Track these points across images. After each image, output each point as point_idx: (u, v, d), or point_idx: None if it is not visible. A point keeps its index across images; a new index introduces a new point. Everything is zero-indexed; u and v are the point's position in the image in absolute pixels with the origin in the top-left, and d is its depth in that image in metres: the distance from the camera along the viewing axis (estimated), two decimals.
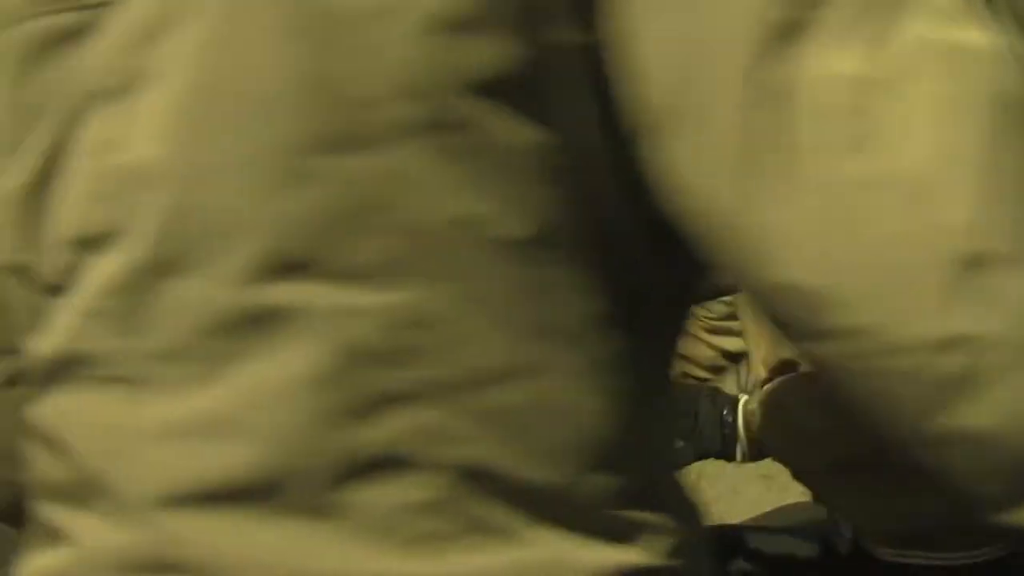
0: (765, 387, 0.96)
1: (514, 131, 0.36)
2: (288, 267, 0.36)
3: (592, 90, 0.38)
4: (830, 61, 0.35)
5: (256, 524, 0.38)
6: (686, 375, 1.26)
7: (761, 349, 1.05)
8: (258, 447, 0.37)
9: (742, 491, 1.79)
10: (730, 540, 0.96)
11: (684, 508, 0.45)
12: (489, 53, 0.35)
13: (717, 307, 1.23)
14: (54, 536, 0.43)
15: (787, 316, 0.38)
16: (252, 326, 0.37)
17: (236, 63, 0.36)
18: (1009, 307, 0.33)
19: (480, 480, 0.38)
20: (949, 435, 0.35)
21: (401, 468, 0.37)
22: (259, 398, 0.37)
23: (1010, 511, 0.36)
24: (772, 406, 0.93)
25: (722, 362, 1.31)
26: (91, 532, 0.41)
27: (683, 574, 0.42)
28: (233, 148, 0.36)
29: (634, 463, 0.42)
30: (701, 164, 0.36)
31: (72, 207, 0.41)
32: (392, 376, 0.37)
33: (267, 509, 0.38)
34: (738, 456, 1.00)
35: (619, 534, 0.40)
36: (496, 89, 0.35)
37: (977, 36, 0.36)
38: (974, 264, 0.33)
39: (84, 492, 0.41)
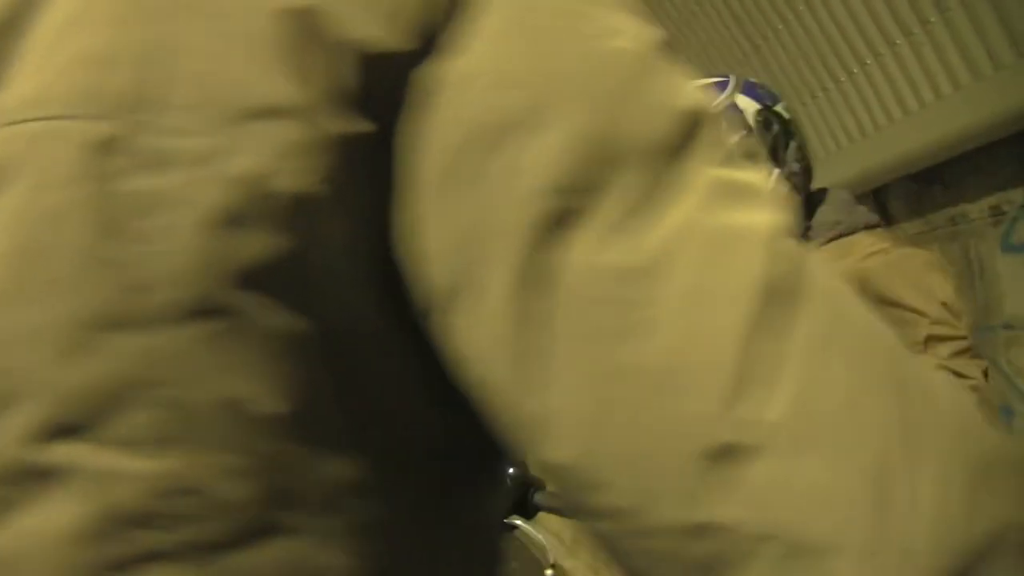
0: None
1: (276, 318, 0.39)
2: (65, 430, 0.39)
3: (371, 276, 0.40)
4: (598, 251, 0.37)
5: None
6: None
7: None
8: None
9: None
10: None
11: None
12: (257, 247, 0.38)
13: None
14: None
15: (563, 493, 0.40)
16: (30, 480, 0.40)
17: (36, 238, 0.39)
18: (753, 495, 0.34)
19: None
20: None
21: None
22: (27, 547, 0.40)
23: None
24: None
25: None
26: None
27: None
28: (26, 318, 0.39)
29: None
30: (480, 346, 0.38)
31: None
32: (150, 537, 0.40)
33: None
34: None
35: None
36: (261, 280, 0.38)
37: (752, 217, 0.37)
38: (721, 454, 0.34)
39: None
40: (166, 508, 0.39)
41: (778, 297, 0.35)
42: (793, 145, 1.62)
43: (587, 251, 0.37)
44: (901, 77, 2.97)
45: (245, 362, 0.39)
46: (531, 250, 0.37)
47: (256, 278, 0.38)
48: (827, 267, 0.38)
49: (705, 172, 0.38)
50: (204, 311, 0.38)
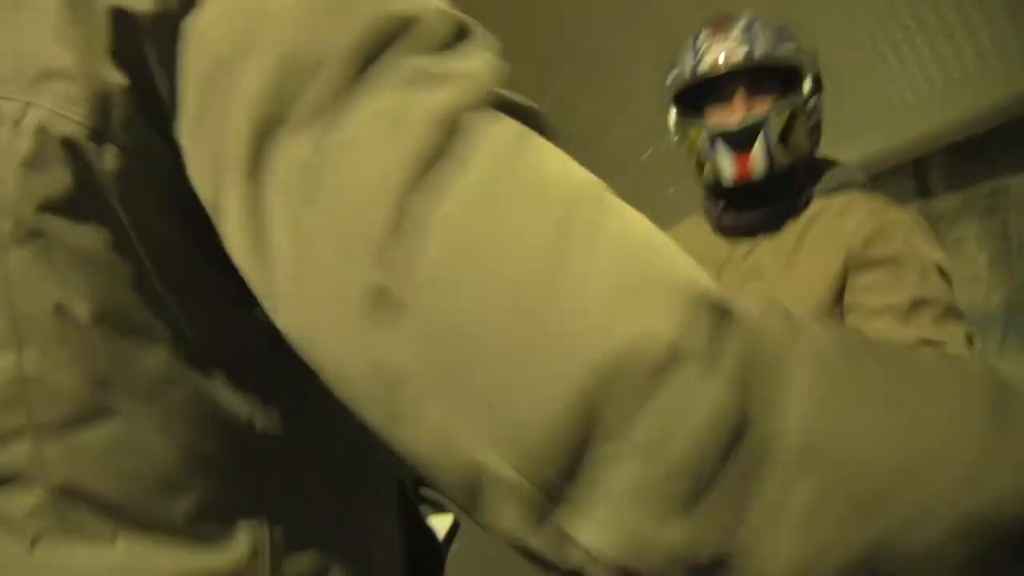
0: None
1: (77, 237, 0.47)
2: None
3: (166, 197, 0.49)
4: (297, 148, 0.43)
5: None
6: None
7: None
8: None
9: None
10: None
11: (285, 519, 0.55)
12: (52, 182, 0.47)
13: None
14: None
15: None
16: None
17: None
18: (416, 334, 0.40)
19: (74, 495, 0.50)
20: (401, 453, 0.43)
21: (20, 483, 0.50)
22: None
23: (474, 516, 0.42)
24: None
25: None
26: None
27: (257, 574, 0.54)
28: None
29: (210, 485, 0.53)
30: (237, 253, 0.46)
31: None
32: (8, 419, 0.50)
33: None
34: None
35: (195, 542, 0.52)
36: (59, 206, 0.47)
37: (433, 96, 0.43)
38: (378, 297, 0.40)
39: None
40: (16, 394, 0.49)
41: (438, 162, 0.41)
42: (817, 98, 1.63)
43: (289, 151, 0.43)
44: (945, 43, 2.92)
45: (61, 274, 0.48)
46: (251, 167, 0.44)
47: (55, 205, 0.47)
48: (502, 140, 0.43)
49: (404, 63, 0.43)
50: (25, 235, 0.47)
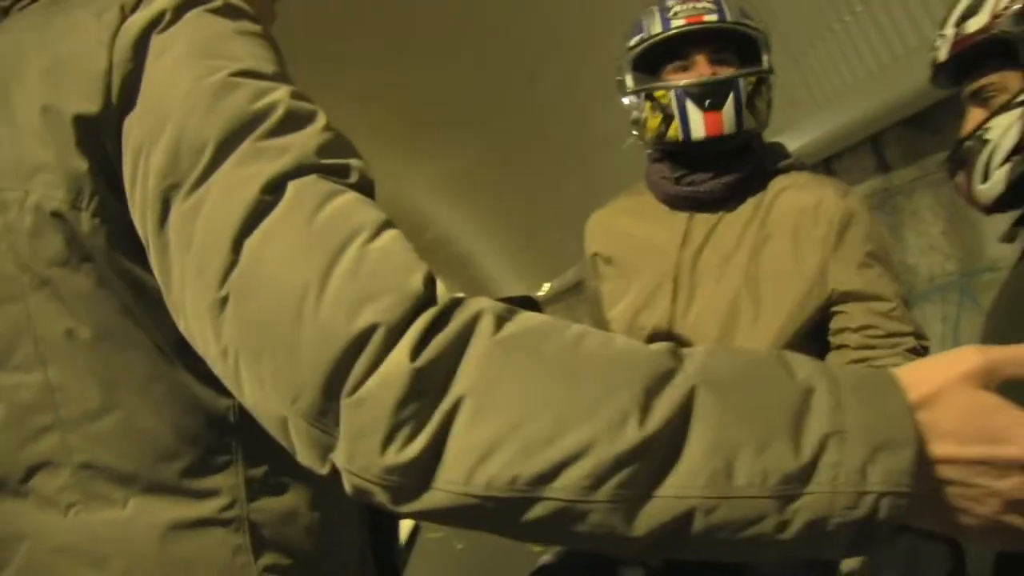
0: None
1: (75, 280, 0.69)
2: None
3: (127, 240, 0.68)
4: (182, 204, 0.62)
5: None
6: None
7: None
8: None
9: None
10: None
11: (255, 479, 0.74)
12: (51, 245, 0.68)
13: None
14: None
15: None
16: None
17: None
18: (237, 325, 0.59)
19: (94, 471, 0.70)
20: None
21: (52, 467, 0.71)
22: None
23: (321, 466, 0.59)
24: None
25: None
26: None
27: (235, 521, 0.73)
28: None
29: (194, 452, 0.72)
30: (157, 272, 0.66)
31: None
32: (41, 418, 0.71)
33: None
34: None
35: (186, 497, 0.72)
36: (60, 261, 0.69)
37: (263, 168, 0.61)
38: (221, 304, 0.59)
39: None
40: (45, 400, 0.70)
41: (264, 209, 0.59)
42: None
43: (179, 210, 0.62)
44: (888, 23, 3.01)
45: (67, 309, 0.69)
46: (159, 222, 0.63)
47: (55, 260, 0.68)
48: (311, 197, 0.60)
49: (255, 145, 0.62)
50: (38, 284, 0.69)
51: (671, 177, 1.67)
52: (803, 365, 0.56)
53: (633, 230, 1.73)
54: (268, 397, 0.58)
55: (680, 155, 1.66)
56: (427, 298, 0.57)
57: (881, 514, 0.52)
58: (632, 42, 1.69)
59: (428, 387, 0.54)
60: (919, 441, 0.53)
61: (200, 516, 0.72)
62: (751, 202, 1.64)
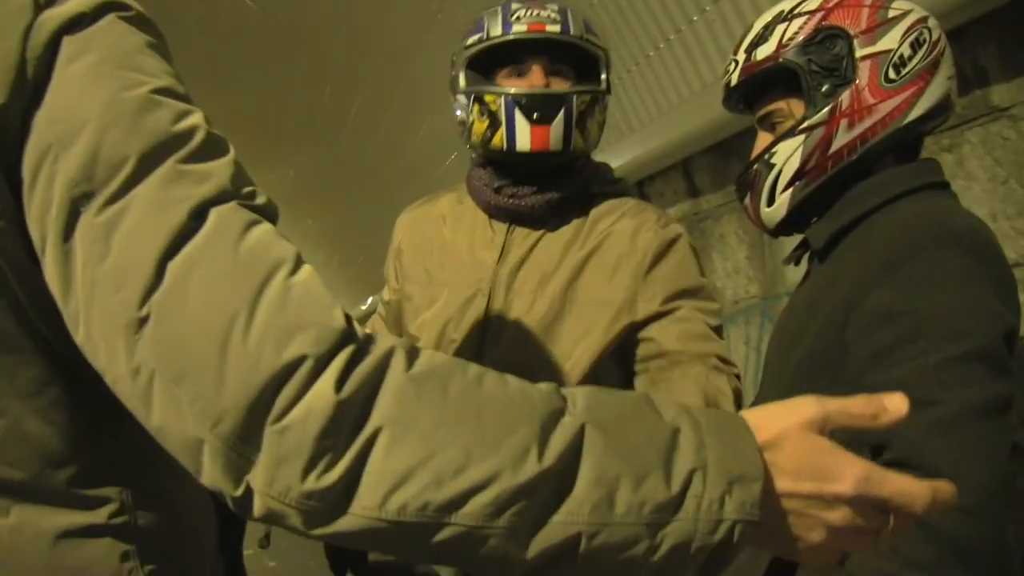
0: None
1: None
2: None
3: (28, 243, 0.65)
4: (96, 216, 0.61)
5: None
6: None
7: None
8: None
9: None
10: None
11: (146, 485, 0.74)
12: None
13: None
14: None
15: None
16: None
17: None
18: (153, 345, 0.59)
19: None
20: None
21: None
22: None
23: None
24: None
25: None
26: None
27: (123, 528, 0.72)
28: None
29: (83, 459, 0.70)
30: (52, 284, 0.64)
31: None
32: None
33: None
34: None
35: (73, 505, 0.70)
36: None
37: (189, 191, 0.61)
38: (140, 323, 0.59)
39: None
40: None
41: (188, 233, 0.60)
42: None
43: (91, 222, 0.61)
44: (698, 53, 3.11)
45: None
46: (65, 229, 0.61)
47: None
48: (231, 225, 0.61)
49: (176, 167, 0.62)
50: None
51: (492, 186, 1.62)
52: (668, 407, 0.64)
53: (448, 234, 1.66)
54: (184, 420, 0.58)
55: (503, 164, 1.61)
56: (349, 333, 0.60)
57: (735, 539, 0.60)
58: (470, 40, 1.62)
59: (349, 418, 0.57)
60: (766, 477, 0.60)
61: (89, 523, 0.71)
62: (574, 223, 1.60)
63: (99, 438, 0.72)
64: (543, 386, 0.63)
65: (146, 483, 0.75)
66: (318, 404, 0.56)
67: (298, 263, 0.62)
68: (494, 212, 1.63)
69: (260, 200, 0.66)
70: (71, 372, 0.69)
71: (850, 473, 0.61)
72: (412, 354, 0.61)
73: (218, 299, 0.58)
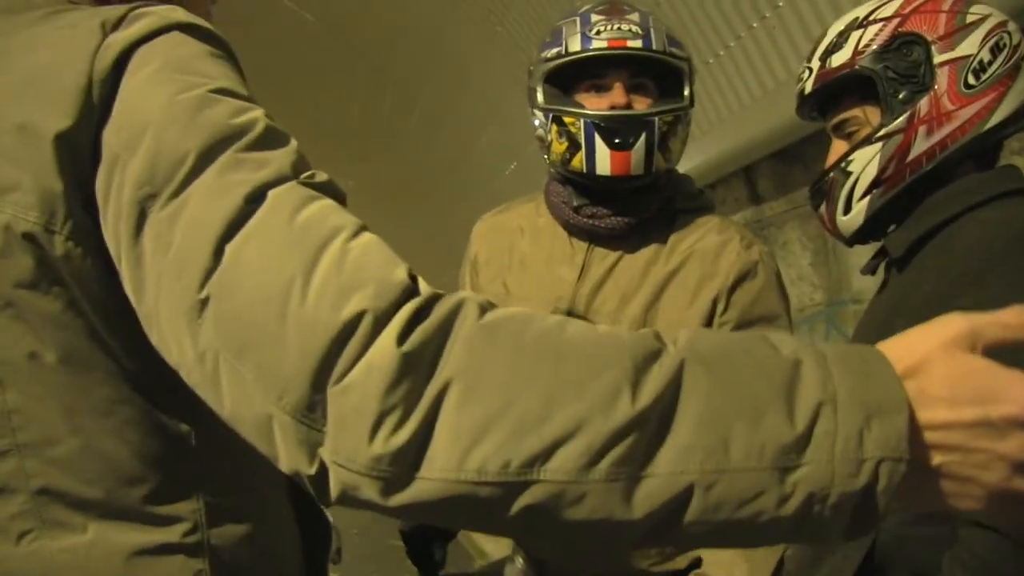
0: None
1: (43, 302, 0.66)
2: None
3: (99, 261, 0.67)
4: (161, 211, 0.61)
5: None
6: None
7: None
8: None
9: None
10: None
11: (218, 500, 0.75)
12: (17, 266, 0.66)
13: None
14: None
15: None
16: None
17: None
18: (216, 328, 0.57)
19: (50, 496, 0.69)
20: None
21: (6, 493, 0.68)
22: None
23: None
24: None
25: None
26: None
27: (196, 546, 0.73)
28: None
29: (157, 477, 0.72)
30: (127, 283, 0.64)
31: None
32: None
33: None
34: None
35: (148, 523, 0.71)
36: (28, 283, 0.66)
37: (247, 176, 0.61)
38: (201, 306, 0.58)
39: None
40: (5, 423, 0.68)
41: (245, 216, 0.59)
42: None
43: (157, 219, 0.61)
44: (759, 58, 3.09)
45: (32, 331, 0.67)
46: (135, 232, 0.62)
47: (22, 283, 0.66)
48: (288, 203, 0.60)
49: (235, 156, 0.62)
50: (3, 305, 0.66)
51: (571, 204, 1.57)
52: (786, 342, 0.55)
53: (526, 247, 1.64)
54: (251, 397, 0.56)
55: (583, 184, 1.56)
56: (412, 288, 0.56)
57: (881, 482, 0.51)
58: (548, 54, 1.56)
59: (415, 372, 0.53)
60: (910, 408, 0.52)
61: (163, 542, 0.72)
62: (654, 243, 1.56)
63: (172, 457, 0.72)
64: (640, 331, 0.57)
65: (219, 502, 0.75)
66: (380, 360, 0.52)
67: (359, 229, 0.59)
68: (573, 230, 1.59)
69: (321, 178, 0.65)
70: (143, 392, 0.70)
71: (1021, 391, 0.51)
72: (485, 306, 0.57)
73: (273, 268, 0.56)
